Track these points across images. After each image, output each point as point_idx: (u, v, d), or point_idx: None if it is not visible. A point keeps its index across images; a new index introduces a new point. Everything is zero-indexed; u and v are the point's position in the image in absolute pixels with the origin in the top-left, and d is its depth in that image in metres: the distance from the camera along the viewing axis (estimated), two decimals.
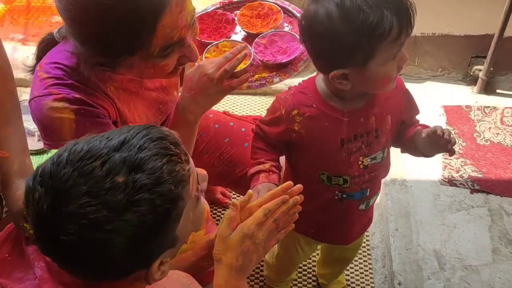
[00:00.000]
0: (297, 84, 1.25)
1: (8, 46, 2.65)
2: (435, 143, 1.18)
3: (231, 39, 1.44)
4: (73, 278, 0.81)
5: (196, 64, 1.16)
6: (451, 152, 1.19)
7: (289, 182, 1.05)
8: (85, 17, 1.05)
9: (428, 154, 1.25)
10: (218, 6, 1.54)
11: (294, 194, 1.04)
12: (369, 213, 1.41)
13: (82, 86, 1.15)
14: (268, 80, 1.34)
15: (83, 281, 0.82)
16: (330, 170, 1.24)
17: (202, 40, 1.44)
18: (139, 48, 1.08)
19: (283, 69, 1.35)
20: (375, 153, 1.25)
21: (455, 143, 1.18)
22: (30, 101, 1.17)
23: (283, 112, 1.19)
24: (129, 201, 0.72)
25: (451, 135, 1.17)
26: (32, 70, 1.28)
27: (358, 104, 1.19)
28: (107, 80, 1.20)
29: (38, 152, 2.12)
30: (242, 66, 1.37)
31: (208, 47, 1.40)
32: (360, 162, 1.24)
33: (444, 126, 2.12)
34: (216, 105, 2.32)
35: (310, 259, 1.80)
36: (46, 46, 1.25)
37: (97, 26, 1.05)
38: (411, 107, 1.30)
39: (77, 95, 1.13)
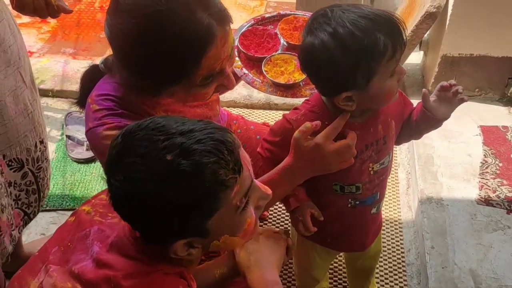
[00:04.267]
0: (301, 103, 1.25)
1: (60, 60, 2.73)
2: (445, 98, 1.23)
3: (279, 52, 1.51)
4: (128, 247, 0.93)
5: (314, 143, 1.15)
6: (464, 99, 1.23)
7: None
8: (134, 48, 1.08)
9: (445, 114, 1.26)
10: (252, 22, 1.60)
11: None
12: (379, 217, 1.42)
13: (132, 114, 1.19)
14: None
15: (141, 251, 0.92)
16: (343, 181, 1.25)
17: (248, 54, 1.50)
18: (183, 78, 1.11)
19: None
20: (383, 158, 1.26)
21: (462, 89, 1.22)
22: (86, 132, 1.22)
23: None
24: (166, 176, 0.82)
25: (456, 83, 1.22)
26: (78, 102, 1.34)
27: (365, 115, 1.20)
28: (155, 106, 1.23)
29: (87, 161, 2.17)
30: (299, 77, 1.42)
31: (264, 61, 1.48)
32: (370, 169, 1.25)
33: (480, 146, 2.10)
34: (259, 119, 2.36)
35: (342, 271, 1.79)
36: (90, 79, 1.29)
37: (145, 58, 1.08)
38: (406, 105, 1.32)
39: (128, 122, 1.16)
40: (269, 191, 0.99)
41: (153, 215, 0.85)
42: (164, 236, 0.89)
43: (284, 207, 1.94)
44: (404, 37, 1.08)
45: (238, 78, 1.51)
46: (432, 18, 2.19)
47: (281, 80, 1.44)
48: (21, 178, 1.48)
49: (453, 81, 1.22)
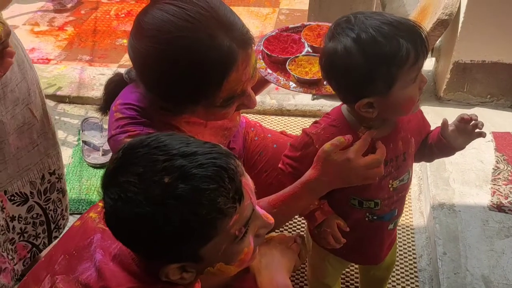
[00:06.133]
0: (321, 118, 1.24)
1: (76, 67, 2.76)
2: (464, 130, 1.22)
3: (303, 54, 1.51)
4: (130, 262, 0.89)
5: (345, 157, 1.14)
6: (483, 134, 1.22)
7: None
8: (155, 71, 1.08)
9: (460, 145, 1.26)
10: (276, 31, 1.60)
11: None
12: (395, 231, 1.40)
13: (155, 123, 1.18)
14: None
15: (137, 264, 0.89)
16: (362, 195, 1.23)
17: (272, 55, 1.50)
18: (203, 100, 1.11)
19: None
20: (402, 175, 1.25)
21: (483, 125, 1.21)
22: (108, 139, 1.22)
23: (316, 146, 1.18)
24: (161, 200, 0.77)
25: (478, 118, 1.20)
26: (100, 108, 1.34)
27: (386, 130, 1.19)
28: (177, 117, 1.23)
29: (102, 166, 2.18)
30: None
31: (288, 61, 1.47)
32: (390, 185, 1.24)
33: (492, 152, 2.08)
34: (271, 125, 2.36)
35: (354, 276, 1.78)
36: (114, 88, 1.30)
37: (166, 79, 1.08)
38: (425, 124, 1.31)
39: (150, 131, 1.16)
40: (271, 220, 0.94)
41: (145, 237, 0.81)
42: (156, 259, 0.85)
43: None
44: (427, 45, 1.07)
45: (259, 89, 1.51)
46: (444, 25, 2.18)
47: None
48: (27, 211, 1.43)
49: (474, 115, 1.21)
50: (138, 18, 1.10)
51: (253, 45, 1.11)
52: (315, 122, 1.23)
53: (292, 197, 1.18)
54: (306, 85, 1.43)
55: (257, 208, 0.91)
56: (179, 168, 0.78)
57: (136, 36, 1.09)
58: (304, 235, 1.36)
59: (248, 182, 0.87)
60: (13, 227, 1.40)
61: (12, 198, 1.38)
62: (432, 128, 1.33)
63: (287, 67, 1.45)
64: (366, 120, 1.16)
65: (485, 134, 1.22)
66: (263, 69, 1.47)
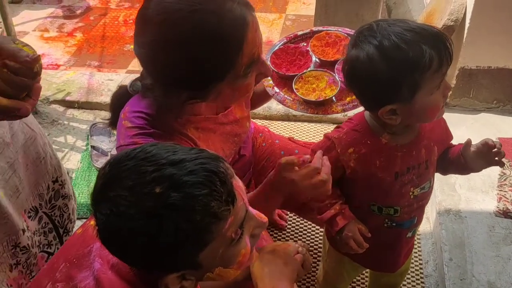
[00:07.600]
0: (343, 122, 1.24)
1: (85, 72, 2.77)
2: (485, 155, 1.20)
3: (310, 69, 1.49)
4: (128, 271, 0.88)
5: (291, 179, 1.17)
6: (501, 164, 1.20)
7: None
8: (178, 58, 1.06)
9: (477, 168, 1.24)
10: (285, 41, 1.58)
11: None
12: (413, 240, 1.39)
13: (164, 133, 1.17)
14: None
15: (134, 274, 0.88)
16: (382, 202, 1.23)
17: (280, 73, 1.48)
18: (228, 70, 1.09)
19: None
20: (424, 183, 1.24)
21: (504, 155, 1.20)
22: (117, 149, 1.21)
23: (338, 150, 1.18)
24: (154, 211, 0.76)
25: (501, 147, 1.19)
26: (110, 123, 1.33)
27: (408, 137, 1.18)
28: (186, 124, 1.21)
29: None
30: (330, 94, 1.41)
31: (295, 78, 1.45)
32: (411, 193, 1.23)
33: None
34: (278, 131, 2.36)
35: (361, 281, 1.77)
36: (120, 99, 1.29)
37: (192, 61, 1.06)
38: (448, 134, 1.30)
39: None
40: (265, 219, 0.93)
41: (140, 250, 0.79)
42: (154, 270, 0.83)
43: (298, 218, 1.93)
44: (451, 52, 1.06)
45: (264, 100, 1.51)
46: (450, 31, 2.17)
47: (312, 97, 1.42)
48: (38, 222, 1.43)
49: (499, 143, 1.20)
50: (141, 15, 1.09)
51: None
52: (337, 127, 1.23)
53: (260, 196, 1.21)
54: (313, 105, 1.42)
55: (250, 208, 0.91)
56: (170, 177, 0.77)
57: (143, 32, 1.08)
58: (314, 244, 1.35)
59: (239, 183, 0.86)
60: (34, 242, 1.40)
61: (29, 215, 1.38)
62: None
63: (293, 87, 1.44)
64: (389, 126, 1.16)
65: (504, 164, 1.22)
66: (270, 87, 1.46)
